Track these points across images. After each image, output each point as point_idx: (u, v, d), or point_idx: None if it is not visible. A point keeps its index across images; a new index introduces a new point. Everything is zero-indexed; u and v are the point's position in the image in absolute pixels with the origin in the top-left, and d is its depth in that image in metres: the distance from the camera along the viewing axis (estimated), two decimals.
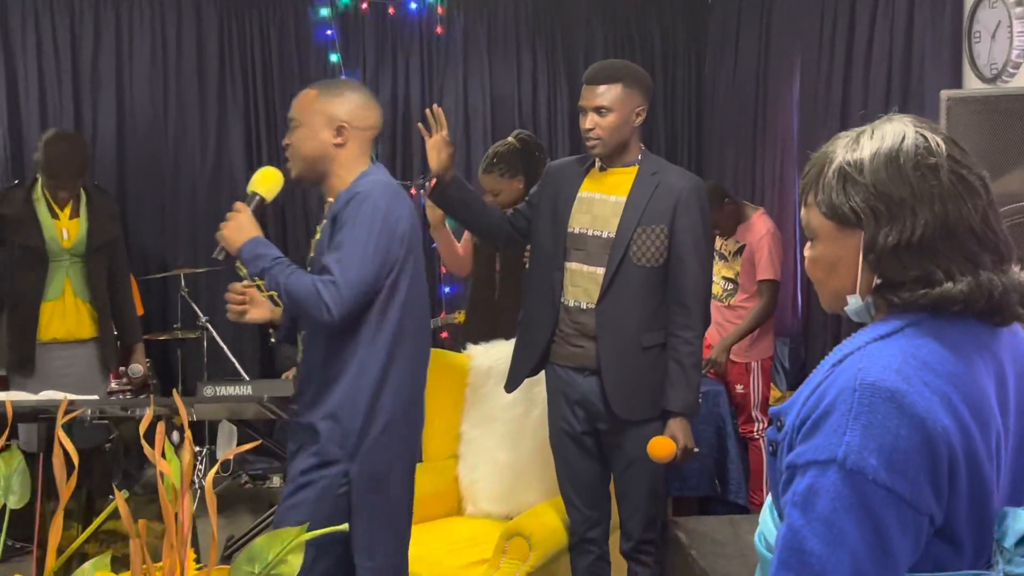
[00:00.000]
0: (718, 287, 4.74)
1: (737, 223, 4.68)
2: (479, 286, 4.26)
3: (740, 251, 4.66)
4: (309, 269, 2.67)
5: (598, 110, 2.99)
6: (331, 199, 2.67)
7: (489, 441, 3.74)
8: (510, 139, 4.16)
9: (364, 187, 2.55)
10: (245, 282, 2.66)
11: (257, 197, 2.71)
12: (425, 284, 2.73)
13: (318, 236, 2.71)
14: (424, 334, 2.75)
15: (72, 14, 5.97)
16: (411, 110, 6.29)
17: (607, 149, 3.03)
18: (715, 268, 4.79)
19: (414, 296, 2.64)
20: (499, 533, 3.25)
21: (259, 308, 2.69)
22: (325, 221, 2.66)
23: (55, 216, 4.06)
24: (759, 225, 4.62)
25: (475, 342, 3.95)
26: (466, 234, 4.33)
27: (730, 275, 4.72)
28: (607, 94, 2.99)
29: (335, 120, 2.62)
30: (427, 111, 3.20)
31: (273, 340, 2.91)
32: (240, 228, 2.63)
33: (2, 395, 2.35)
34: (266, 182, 2.74)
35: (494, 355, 3.80)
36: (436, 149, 3.15)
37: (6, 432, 1.53)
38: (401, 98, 6.32)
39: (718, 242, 4.77)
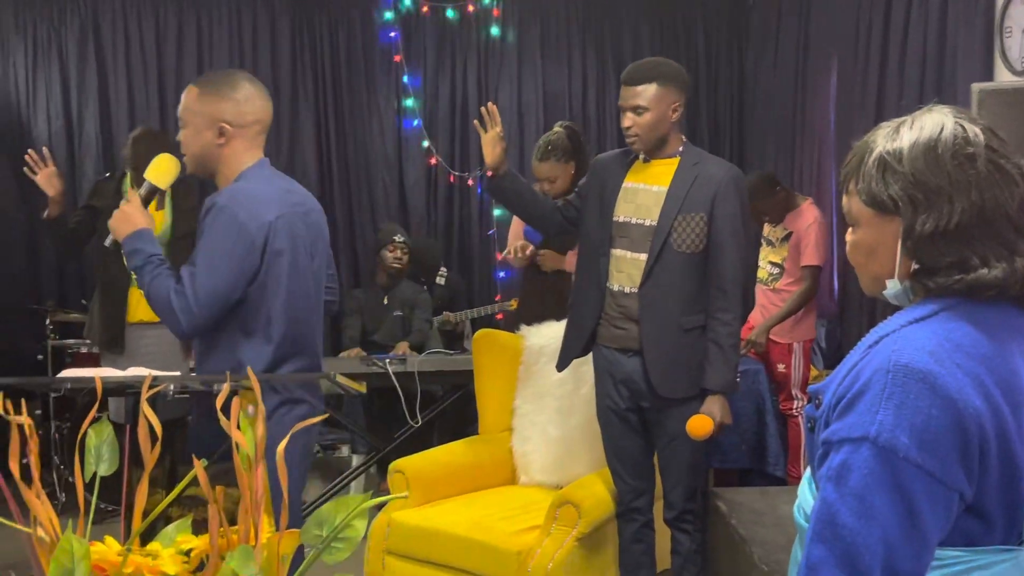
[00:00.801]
0: (764, 271, 4.68)
1: (786, 211, 4.62)
2: (530, 278, 4.27)
3: (787, 238, 4.60)
4: None
5: (635, 109, 2.98)
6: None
7: (541, 416, 3.74)
8: (557, 129, 4.18)
9: (224, 197, 2.40)
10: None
11: (150, 186, 2.52)
12: (311, 280, 2.53)
13: None
14: (311, 331, 2.56)
15: (157, 19, 6.04)
16: (468, 107, 6.28)
17: (646, 145, 3.01)
18: (762, 253, 4.73)
19: (295, 294, 2.46)
20: (550, 501, 3.25)
21: None
22: None
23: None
24: (807, 213, 4.56)
25: (528, 324, 3.95)
26: (515, 226, 4.33)
27: (776, 260, 4.66)
28: (643, 94, 2.96)
29: (216, 121, 2.44)
30: (482, 108, 3.20)
31: None
32: (126, 218, 2.44)
33: (93, 371, 2.37)
34: (162, 171, 2.54)
35: (546, 335, 3.79)
36: (491, 144, 3.15)
37: (96, 405, 1.55)
38: (459, 96, 6.32)
39: (766, 228, 4.71)
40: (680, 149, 3.06)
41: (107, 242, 2.49)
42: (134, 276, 3.98)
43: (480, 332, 3.95)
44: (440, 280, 5.76)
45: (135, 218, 2.44)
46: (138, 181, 4.08)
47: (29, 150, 3.79)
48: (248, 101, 2.49)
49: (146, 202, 2.51)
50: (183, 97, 2.52)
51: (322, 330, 2.64)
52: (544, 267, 4.15)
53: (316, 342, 2.58)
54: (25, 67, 5.92)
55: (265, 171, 2.51)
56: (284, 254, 2.41)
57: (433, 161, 6.28)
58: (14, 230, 5.81)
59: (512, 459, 3.80)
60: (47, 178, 3.79)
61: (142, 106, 6.05)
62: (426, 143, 6.27)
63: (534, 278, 4.27)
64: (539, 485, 3.70)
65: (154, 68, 6.07)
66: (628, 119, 2.99)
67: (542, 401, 3.75)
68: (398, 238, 5.33)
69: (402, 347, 5.10)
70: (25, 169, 3.76)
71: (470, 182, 6.29)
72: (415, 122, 6.26)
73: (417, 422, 4.37)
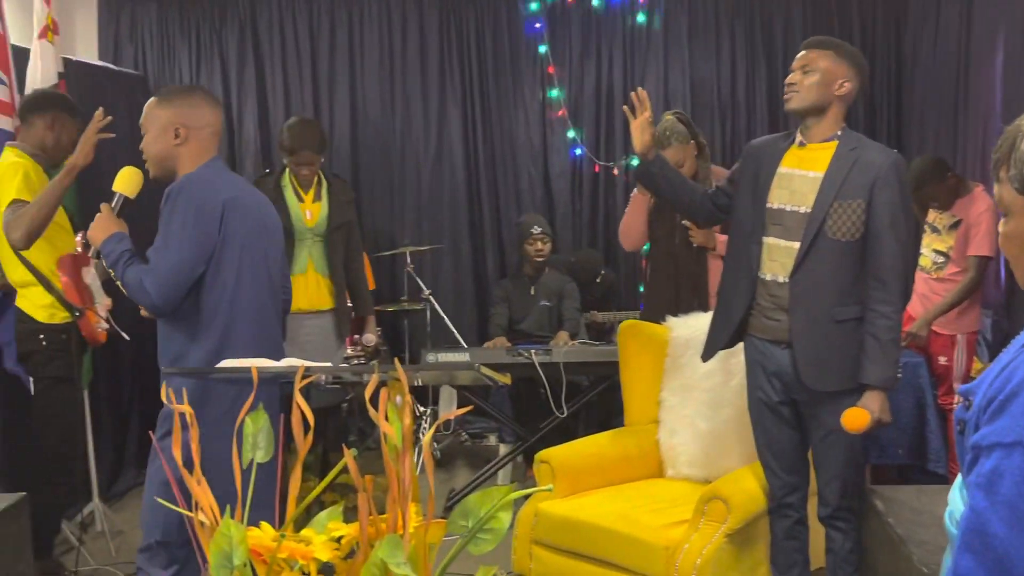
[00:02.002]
0: (927, 259, 4.47)
1: (956, 197, 4.39)
2: (660, 258, 4.19)
3: (956, 225, 4.37)
4: None
5: (803, 67, 2.90)
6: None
7: (688, 408, 3.68)
8: (667, 116, 4.15)
9: (180, 184, 2.67)
10: None
11: (120, 196, 2.80)
12: (265, 264, 2.79)
13: None
14: (266, 307, 2.81)
15: (311, 20, 6.23)
16: (614, 96, 6.23)
17: (802, 104, 2.90)
18: (926, 240, 4.51)
19: (248, 269, 2.72)
20: (698, 496, 3.19)
21: None
22: None
23: (300, 200, 4.25)
24: (980, 201, 4.32)
25: (658, 313, 3.90)
26: (630, 211, 4.27)
27: (942, 248, 4.43)
28: (817, 59, 2.90)
29: (171, 124, 2.74)
30: (632, 94, 3.16)
31: None
32: (103, 227, 2.73)
33: (248, 361, 2.46)
34: (127, 181, 2.81)
35: (693, 326, 3.72)
36: (639, 130, 3.11)
37: (252, 394, 1.60)
38: (604, 85, 6.27)
39: (932, 215, 4.49)
40: (838, 133, 2.94)
41: (91, 254, 2.76)
42: (308, 263, 4.18)
43: (625, 323, 3.92)
44: (598, 278, 5.74)
45: (109, 225, 2.72)
46: (293, 164, 4.22)
47: None
48: (199, 107, 2.77)
49: (118, 212, 2.77)
50: (145, 107, 2.80)
51: (280, 318, 2.92)
52: (695, 242, 4.07)
53: (276, 324, 2.87)
54: (189, 68, 6.20)
55: (218, 164, 2.80)
56: (238, 234, 2.67)
57: (579, 151, 6.25)
58: None
59: (659, 452, 3.75)
60: None
61: (297, 103, 6.25)
62: (571, 133, 6.25)
63: (664, 262, 4.19)
64: (687, 479, 3.64)
65: (308, 66, 6.26)
66: (793, 76, 2.91)
67: (689, 394, 3.69)
68: (536, 230, 5.33)
69: (562, 337, 5.10)
70: None
71: (615, 172, 6.23)
72: (560, 112, 6.25)
73: (563, 413, 4.38)
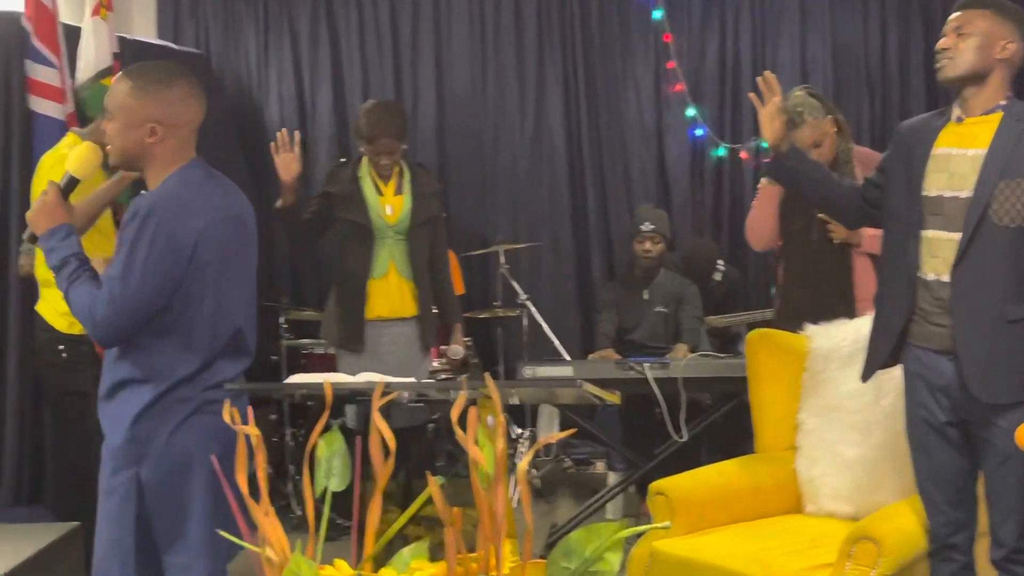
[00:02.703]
0: None
1: None
2: (795, 256, 4.11)
3: None
4: None
5: (957, 30, 2.83)
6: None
7: (831, 433, 3.60)
8: (797, 92, 4.06)
9: (150, 205, 2.52)
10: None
11: (68, 176, 2.66)
12: (246, 282, 2.75)
13: None
14: (247, 333, 2.76)
15: None
16: (741, 67, 6.16)
17: (957, 71, 2.83)
18: None
19: (226, 299, 2.64)
20: (844, 535, 3.11)
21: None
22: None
23: (380, 193, 4.29)
24: None
25: (794, 320, 3.82)
26: (758, 205, 4.19)
27: None
28: (972, 19, 2.84)
29: (148, 120, 2.57)
30: (758, 79, 3.11)
31: None
32: (46, 212, 2.58)
33: (321, 376, 2.49)
34: (83, 161, 2.70)
35: (836, 336, 3.64)
36: (769, 119, 3.07)
37: (325, 414, 1.62)
38: (730, 56, 6.20)
39: None
40: (1002, 103, 2.85)
41: (24, 235, 2.63)
42: (389, 265, 4.22)
43: (756, 332, 3.85)
44: (716, 276, 5.67)
45: (56, 212, 2.58)
46: (371, 153, 4.26)
47: (282, 130, 4.05)
48: (182, 101, 2.62)
49: (65, 194, 2.66)
50: (112, 88, 2.63)
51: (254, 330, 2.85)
52: (836, 237, 3.99)
53: (251, 342, 2.80)
54: (256, 48, 6.35)
55: (196, 172, 2.64)
56: (212, 264, 2.57)
57: (699, 132, 6.19)
58: None
59: (796, 483, 3.68)
60: (287, 163, 4.03)
61: (377, 85, 6.34)
62: (691, 111, 6.19)
63: (800, 260, 4.10)
64: (830, 515, 3.56)
65: (389, 45, 6.35)
66: (946, 41, 2.84)
67: (833, 415, 3.61)
68: (646, 227, 5.27)
69: (680, 350, 5.04)
70: (272, 145, 4.01)
71: (743, 155, 6.15)
72: (678, 88, 6.19)
73: (682, 436, 4.33)
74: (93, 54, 4.54)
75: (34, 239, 2.62)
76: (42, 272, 3.71)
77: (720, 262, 5.75)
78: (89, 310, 2.50)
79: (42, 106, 4.47)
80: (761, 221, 4.23)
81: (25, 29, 4.55)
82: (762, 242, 4.29)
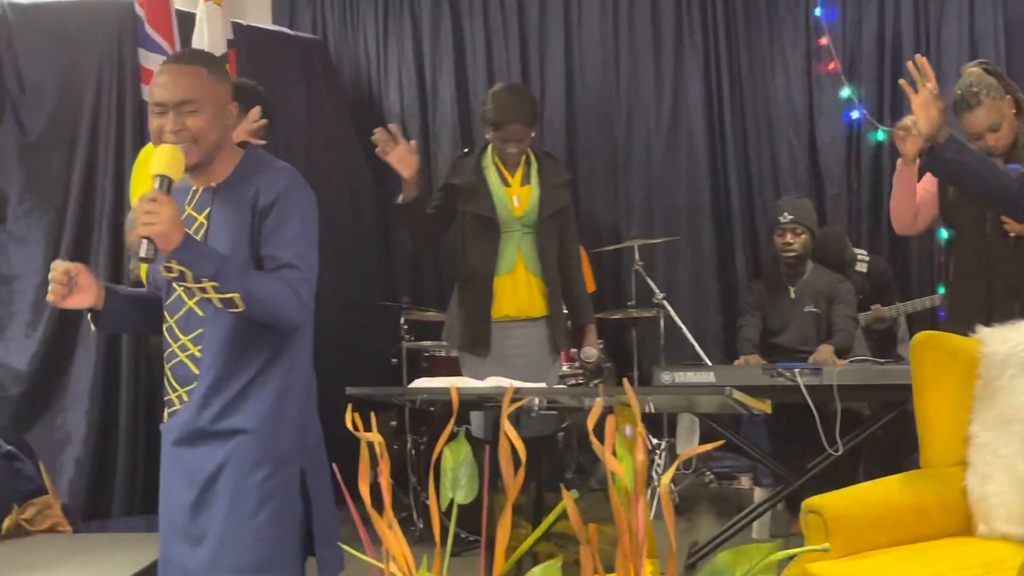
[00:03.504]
0: None
1: None
2: (966, 251, 3.99)
3: None
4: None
5: None
6: (208, 184, 2.67)
7: (1007, 447, 3.49)
8: (971, 68, 3.91)
9: (294, 179, 2.66)
10: (70, 265, 2.58)
11: (163, 179, 2.52)
12: None
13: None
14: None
15: None
16: (902, 42, 6.02)
17: None
18: None
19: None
20: (1021, 561, 3.01)
21: (84, 293, 2.63)
22: (192, 209, 2.68)
23: (506, 183, 4.31)
24: None
25: (965, 322, 3.71)
26: (895, 186, 4.08)
27: None
28: None
29: (227, 101, 2.68)
30: (909, 63, 3.03)
31: (94, 328, 2.79)
32: (174, 223, 2.43)
33: (447, 380, 2.52)
34: (168, 161, 2.56)
35: (1012, 340, 3.52)
36: (924, 107, 3.00)
37: (452, 420, 1.63)
38: (889, 30, 6.07)
39: None
40: None
41: (146, 254, 2.45)
42: (516, 261, 4.24)
43: (922, 335, 3.75)
44: (860, 267, 5.55)
45: (179, 222, 2.46)
46: (499, 140, 4.26)
47: (379, 128, 4.06)
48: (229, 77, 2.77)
49: None
50: (189, 79, 2.60)
51: None
52: (1011, 230, 3.87)
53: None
54: (376, 33, 6.46)
55: (258, 150, 2.80)
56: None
57: (855, 114, 6.07)
58: (367, 218, 6.34)
59: (966, 503, 3.58)
60: (401, 157, 4.03)
61: (502, 70, 6.39)
62: (846, 92, 6.07)
63: (972, 256, 3.98)
64: (1004, 538, 3.46)
65: (515, 25, 6.39)
66: None
67: (1009, 427, 3.50)
68: (784, 218, 5.19)
69: (824, 352, 4.96)
70: (379, 145, 4.01)
71: (899, 133, 6.00)
72: (831, 67, 6.08)
73: (837, 450, 4.25)
74: (207, 41, 4.67)
75: (151, 257, 2.48)
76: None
77: (861, 252, 5.62)
78: (293, 293, 2.57)
79: None
80: (898, 205, 4.17)
81: (138, 16, 4.70)
82: (902, 227, 4.23)
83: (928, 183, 4.12)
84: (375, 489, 1.49)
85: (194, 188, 2.70)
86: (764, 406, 2.52)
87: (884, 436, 4.68)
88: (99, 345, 4.96)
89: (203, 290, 2.48)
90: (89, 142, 5.02)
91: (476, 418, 4.44)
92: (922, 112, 3.01)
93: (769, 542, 1.38)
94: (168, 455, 2.72)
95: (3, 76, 4.99)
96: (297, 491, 2.66)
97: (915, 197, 4.10)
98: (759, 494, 5.21)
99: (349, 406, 1.59)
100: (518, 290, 4.29)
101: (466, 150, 4.68)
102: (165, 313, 2.71)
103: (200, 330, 2.64)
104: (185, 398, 2.67)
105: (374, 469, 1.51)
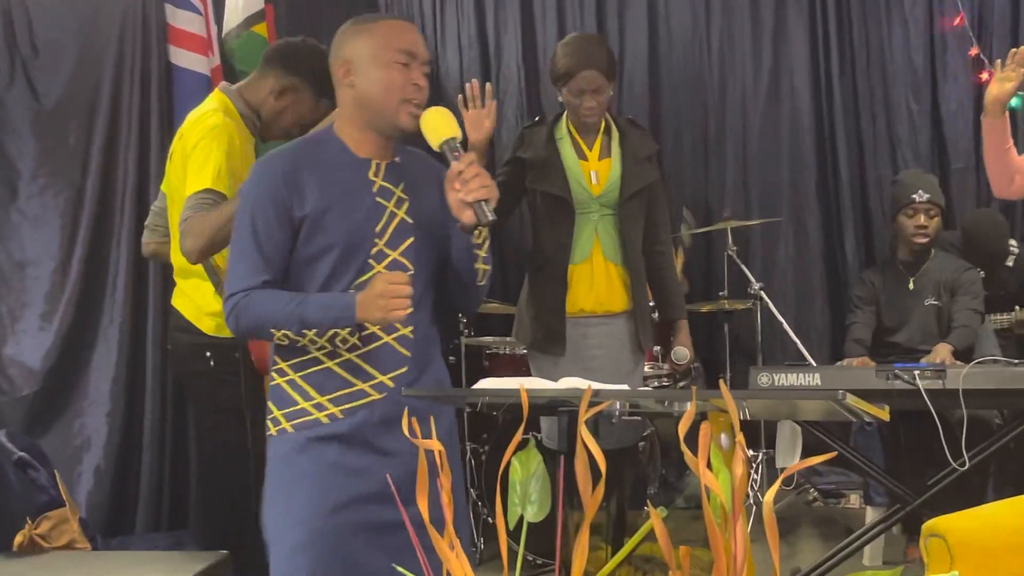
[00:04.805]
0: None
1: None
2: None
3: None
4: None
5: None
6: (389, 159, 2.90)
7: None
8: None
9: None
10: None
11: (451, 142, 2.80)
12: None
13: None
14: None
15: None
16: None
17: None
18: None
19: None
20: None
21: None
22: (384, 181, 2.86)
23: (582, 157, 4.28)
24: None
25: None
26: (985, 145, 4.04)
27: None
28: None
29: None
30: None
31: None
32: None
33: (514, 381, 2.51)
34: (445, 121, 2.81)
35: None
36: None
37: (521, 426, 1.63)
38: None
39: None
40: None
41: (490, 216, 2.79)
42: (593, 246, 4.23)
43: None
44: (1009, 261, 5.47)
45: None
46: (573, 95, 4.22)
47: (472, 80, 4.03)
48: None
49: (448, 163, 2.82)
50: (418, 36, 2.89)
51: None
52: None
53: None
54: None
55: None
56: None
57: (985, 76, 5.98)
58: None
59: None
60: (478, 120, 3.98)
61: (575, 28, 6.38)
62: (974, 50, 5.98)
63: None
64: None
65: None
66: None
67: None
68: (920, 197, 5.12)
69: (940, 352, 4.90)
70: (460, 98, 3.98)
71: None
72: (957, 20, 6.00)
73: (964, 464, 4.20)
74: None
75: (494, 219, 2.80)
76: (178, 258, 3.71)
77: (1013, 242, 5.53)
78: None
79: (184, 59, 4.64)
80: (990, 163, 4.20)
81: None
82: (999, 189, 4.25)
83: None
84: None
85: (376, 162, 2.87)
86: (882, 413, 2.48)
87: (1018, 448, 4.62)
88: (121, 340, 5.00)
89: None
90: (110, 110, 5.05)
91: (548, 424, 4.42)
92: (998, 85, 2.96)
93: (883, 569, 1.37)
94: (342, 454, 2.81)
95: (14, 35, 5.01)
96: None
97: (1008, 154, 4.08)
98: (871, 514, 5.16)
99: (405, 410, 1.59)
100: (596, 281, 4.25)
101: (536, 120, 4.65)
102: None
103: (411, 309, 2.77)
104: (389, 384, 2.83)
105: (434, 481, 1.51)
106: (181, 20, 4.65)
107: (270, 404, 2.87)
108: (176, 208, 3.63)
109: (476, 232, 2.82)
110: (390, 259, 2.82)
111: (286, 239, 2.77)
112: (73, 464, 4.94)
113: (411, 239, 2.86)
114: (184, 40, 4.65)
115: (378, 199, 2.82)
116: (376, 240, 2.82)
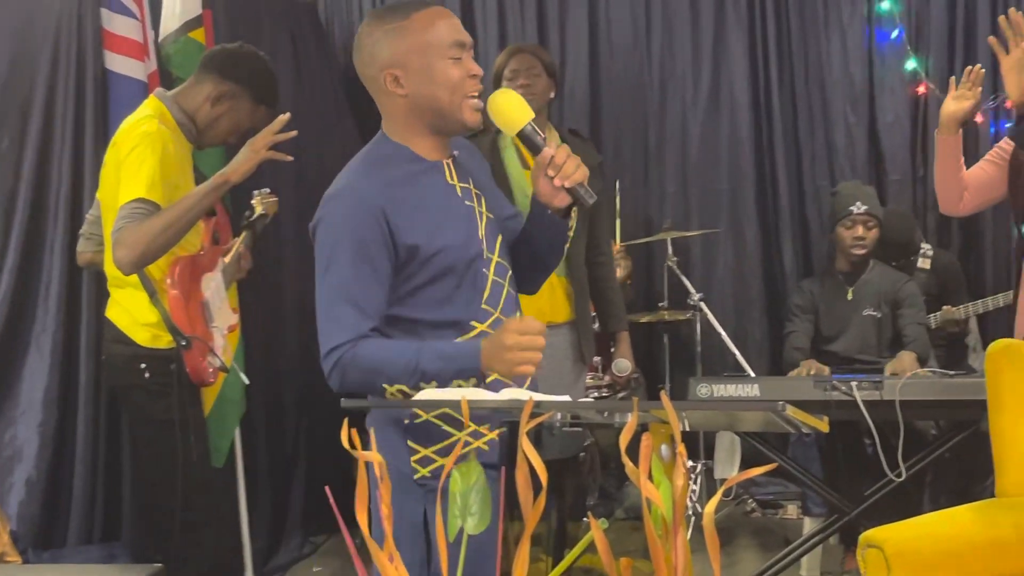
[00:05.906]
0: None
1: None
2: None
3: None
4: None
5: None
6: (449, 154, 2.70)
7: None
8: None
9: None
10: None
11: (530, 129, 2.59)
12: None
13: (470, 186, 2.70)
14: None
15: None
16: (977, 8, 6.05)
17: None
18: None
19: None
20: None
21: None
22: (454, 175, 2.67)
23: (526, 166, 4.29)
24: None
25: None
26: (937, 160, 4.10)
27: None
28: None
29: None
30: (1001, 18, 3.03)
31: None
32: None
33: (457, 392, 2.50)
34: (518, 105, 2.61)
35: None
36: (1014, 70, 2.98)
37: (462, 438, 1.63)
38: None
39: None
40: None
41: (592, 198, 2.59)
42: None
43: (998, 343, 3.74)
44: (923, 263, 5.54)
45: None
46: (511, 79, 4.25)
47: None
48: None
49: (535, 148, 2.61)
50: (389, 44, 2.59)
51: None
52: None
53: None
54: None
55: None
56: None
57: (922, 90, 6.07)
58: None
59: None
60: None
61: (515, 37, 6.41)
62: (911, 64, 6.07)
63: None
64: None
65: None
66: None
67: None
68: (858, 208, 5.18)
69: (905, 360, 4.88)
70: None
71: (979, 118, 5.99)
72: (894, 34, 6.08)
73: (900, 475, 4.24)
74: (179, 3, 4.65)
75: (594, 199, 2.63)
76: (111, 268, 3.66)
77: (925, 245, 5.61)
78: None
79: (120, 64, 4.58)
80: (941, 180, 4.21)
81: None
82: (947, 205, 4.28)
83: (990, 163, 4.12)
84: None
85: (446, 162, 2.68)
86: (821, 424, 2.50)
87: (954, 459, 4.68)
88: (54, 349, 4.93)
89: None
90: (44, 116, 4.99)
91: None
92: (1013, 76, 3.00)
93: None
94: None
95: None
96: None
97: (959, 171, 4.12)
98: (809, 525, 5.20)
99: (345, 421, 1.58)
100: (539, 292, 4.25)
101: (481, 127, 4.64)
102: (485, 308, 2.66)
103: (518, 313, 2.74)
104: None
105: (373, 493, 1.51)
106: (117, 25, 4.58)
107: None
108: (110, 217, 3.58)
109: (571, 213, 2.68)
110: (494, 263, 2.64)
111: (390, 274, 2.53)
112: (4, 475, 4.87)
113: (500, 236, 2.70)
114: (120, 45, 4.58)
115: (466, 202, 2.65)
116: (481, 247, 2.63)
